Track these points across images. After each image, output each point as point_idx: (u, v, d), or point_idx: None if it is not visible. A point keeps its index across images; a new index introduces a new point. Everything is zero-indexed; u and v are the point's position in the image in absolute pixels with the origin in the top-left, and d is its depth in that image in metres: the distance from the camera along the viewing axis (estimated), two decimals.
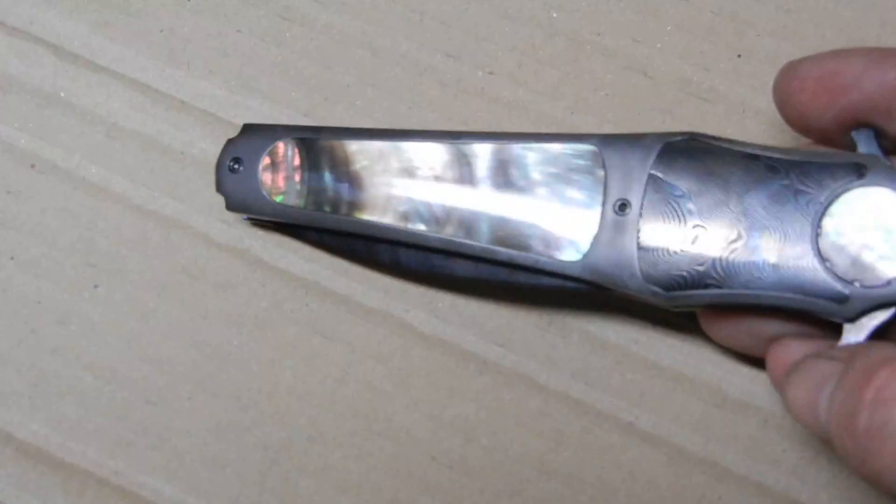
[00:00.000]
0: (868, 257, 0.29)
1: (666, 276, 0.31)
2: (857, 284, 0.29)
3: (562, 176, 0.32)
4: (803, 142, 0.33)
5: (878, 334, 0.29)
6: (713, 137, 0.31)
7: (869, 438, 0.25)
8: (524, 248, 0.32)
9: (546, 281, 0.33)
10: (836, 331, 0.30)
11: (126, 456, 0.36)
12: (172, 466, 0.36)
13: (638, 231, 0.31)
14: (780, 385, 0.31)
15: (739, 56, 0.38)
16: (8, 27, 0.39)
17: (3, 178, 0.38)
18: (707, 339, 0.36)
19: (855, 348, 0.28)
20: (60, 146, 0.38)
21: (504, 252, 0.33)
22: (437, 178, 0.33)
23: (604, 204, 0.32)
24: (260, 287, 0.37)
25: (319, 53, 0.39)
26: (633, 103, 0.38)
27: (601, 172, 0.32)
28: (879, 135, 0.30)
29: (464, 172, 0.33)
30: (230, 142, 0.35)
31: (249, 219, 0.37)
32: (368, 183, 0.34)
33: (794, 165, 0.30)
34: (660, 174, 0.31)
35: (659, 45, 0.39)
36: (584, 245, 0.32)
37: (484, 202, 0.33)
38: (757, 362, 0.36)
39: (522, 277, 0.33)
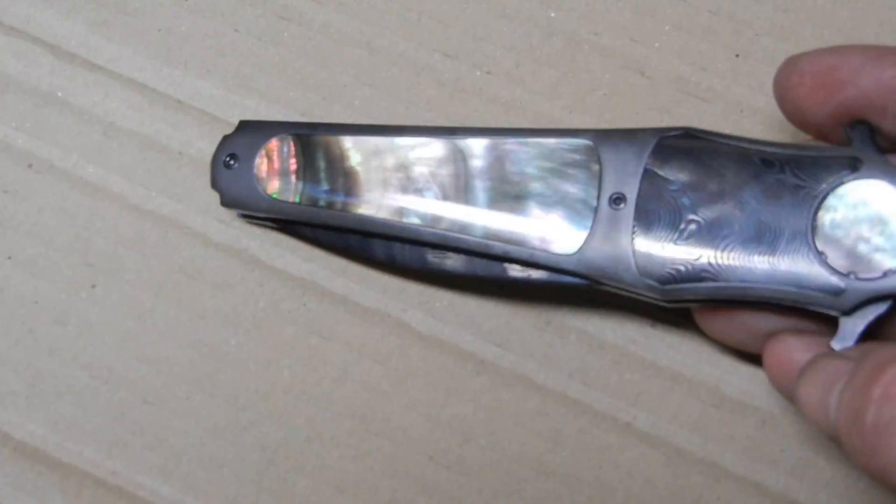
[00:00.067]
0: (863, 249, 0.29)
1: (661, 270, 0.31)
2: (852, 277, 0.29)
3: (557, 170, 0.32)
4: (801, 139, 0.33)
5: (875, 328, 0.29)
6: (708, 132, 0.32)
7: (876, 435, 0.26)
8: (519, 242, 0.32)
9: (541, 276, 0.33)
10: (832, 326, 0.30)
11: (123, 456, 0.36)
12: (170, 466, 0.36)
13: (633, 225, 0.31)
14: (779, 379, 0.31)
15: (737, 56, 0.38)
16: (5, 26, 0.39)
17: (1, 177, 0.38)
18: (705, 339, 0.36)
19: (867, 347, 0.29)
20: (58, 146, 0.38)
21: (499, 246, 0.33)
22: (433, 174, 0.33)
23: (599, 198, 0.32)
24: (257, 287, 0.37)
25: (317, 53, 0.39)
26: (631, 103, 0.38)
27: (596, 167, 0.32)
28: (873, 131, 0.30)
29: (459, 167, 0.33)
30: (226, 138, 0.35)
31: (244, 215, 0.37)
32: (364, 179, 0.34)
33: (789, 159, 0.30)
34: (655, 168, 0.31)
35: (657, 45, 0.39)
36: (580, 239, 0.32)
37: (479, 197, 0.33)
38: (755, 362, 0.36)
39: (517, 273, 0.33)
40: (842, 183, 0.30)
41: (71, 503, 0.35)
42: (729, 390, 0.36)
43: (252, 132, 0.35)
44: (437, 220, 0.33)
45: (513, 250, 0.32)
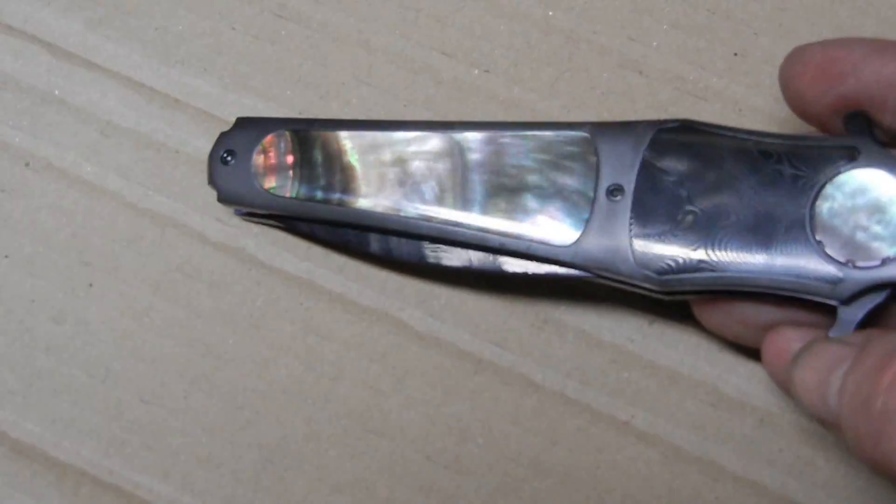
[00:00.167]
0: (861, 238, 0.29)
1: (658, 261, 0.31)
2: (850, 265, 0.29)
3: (554, 163, 0.32)
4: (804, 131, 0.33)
5: (873, 317, 0.29)
6: (706, 124, 0.32)
7: (884, 422, 0.26)
8: (516, 234, 0.32)
9: (537, 270, 0.33)
10: (831, 319, 0.30)
11: (120, 455, 0.36)
12: (167, 465, 0.36)
13: (630, 216, 0.31)
14: (778, 372, 0.31)
15: (735, 54, 0.38)
16: (2, 25, 0.39)
17: None
18: (703, 337, 0.36)
19: (869, 333, 0.29)
20: (55, 144, 0.38)
21: (496, 238, 0.33)
22: (430, 168, 0.33)
23: (596, 190, 0.32)
24: (255, 286, 0.37)
25: (314, 51, 0.39)
26: (629, 101, 0.38)
27: (593, 159, 0.32)
28: (871, 122, 0.30)
29: (456, 161, 0.33)
30: (223, 135, 0.36)
31: (242, 213, 0.37)
32: (361, 173, 0.34)
33: (787, 150, 0.30)
34: (653, 160, 0.31)
35: (655, 44, 0.39)
36: (577, 231, 0.32)
37: (476, 190, 0.33)
38: (754, 361, 0.36)
39: (514, 267, 0.33)
40: (840, 172, 0.30)
41: (68, 502, 0.35)
42: (727, 389, 0.36)
43: (249, 128, 0.35)
44: (434, 213, 0.33)
45: (510, 243, 0.33)
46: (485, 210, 0.33)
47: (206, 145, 0.37)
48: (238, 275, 0.37)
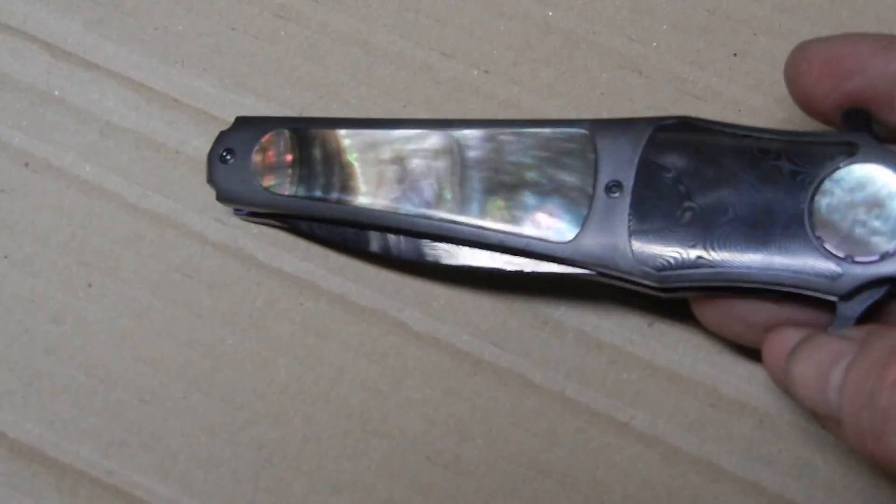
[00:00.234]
0: (860, 233, 0.29)
1: (657, 257, 0.31)
2: (849, 261, 0.29)
3: (553, 160, 0.33)
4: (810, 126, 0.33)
5: (872, 313, 0.29)
6: (705, 120, 0.32)
7: (888, 418, 0.26)
8: (515, 232, 0.32)
9: (535, 268, 0.33)
10: (830, 318, 0.30)
11: (120, 455, 0.36)
12: (166, 466, 0.36)
13: (629, 212, 0.31)
14: (779, 372, 0.31)
15: (735, 55, 0.38)
16: (2, 25, 0.39)
17: None
18: (703, 338, 0.36)
19: (870, 328, 0.29)
20: (54, 144, 0.38)
21: (495, 236, 0.33)
22: (428, 165, 0.33)
23: (595, 186, 0.32)
24: (254, 286, 0.37)
25: (314, 51, 0.39)
26: (629, 102, 0.38)
27: (592, 156, 0.32)
28: (870, 118, 0.30)
29: (454, 158, 0.33)
30: (223, 134, 0.36)
31: (241, 213, 0.37)
32: (360, 171, 0.34)
33: (785, 145, 0.30)
34: (651, 156, 0.31)
35: (654, 44, 0.39)
36: (576, 227, 0.32)
37: (475, 187, 0.33)
38: (753, 362, 0.36)
39: (512, 265, 0.33)
40: (838, 167, 0.30)
41: (67, 502, 0.35)
42: (726, 390, 0.36)
43: (249, 127, 0.35)
44: (432, 211, 0.33)
45: (508, 240, 0.33)
46: (483, 207, 0.33)
47: (205, 145, 0.37)
48: (237, 275, 0.37)
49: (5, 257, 0.37)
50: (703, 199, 0.31)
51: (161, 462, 0.36)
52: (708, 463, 0.35)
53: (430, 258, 0.34)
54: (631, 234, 0.31)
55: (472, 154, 0.33)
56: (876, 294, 0.29)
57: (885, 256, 0.29)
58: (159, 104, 0.38)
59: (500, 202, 0.33)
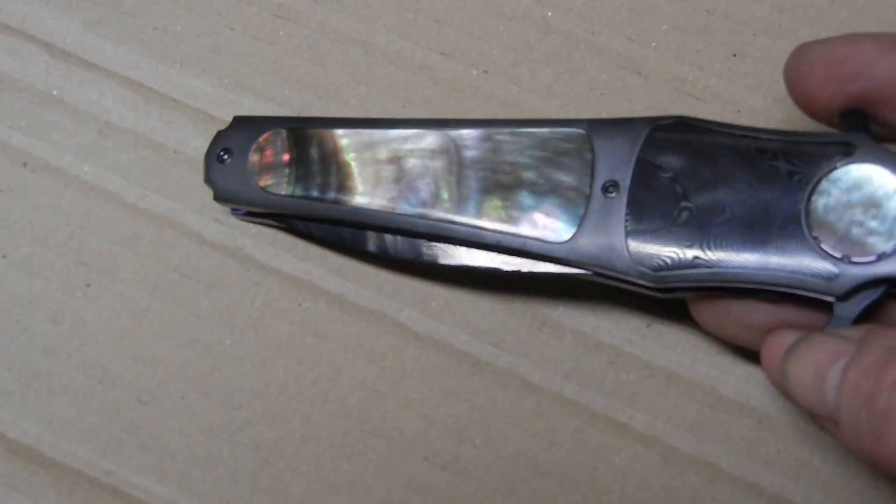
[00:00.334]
0: (857, 233, 0.29)
1: (654, 257, 0.31)
2: (846, 261, 0.29)
3: (550, 159, 0.32)
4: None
5: (869, 313, 0.29)
6: (702, 120, 0.32)
7: (887, 419, 0.26)
8: (512, 232, 0.32)
9: (532, 268, 0.33)
10: (828, 319, 0.30)
11: (118, 455, 0.36)
12: (164, 466, 0.36)
13: (626, 212, 0.31)
14: (777, 375, 0.31)
15: (734, 55, 0.38)
16: (0, 24, 0.39)
17: None
18: (701, 339, 0.36)
19: (867, 328, 0.29)
20: (52, 144, 0.38)
21: (491, 235, 0.33)
22: (425, 165, 0.33)
23: (592, 186, 0.32)
24: (252, 286, 0.37)
25: (313, 51, 0.39)
26: (628, 102, 0.38)
27: (589, 155, 0.32)
28: (869, 119, 0.30)
29: (451, 158, 0.33)
30: (220, 133, 0.36)
31: (239, 213, 0.37)
32: (357, 171, 0.34)
33: (782, 145, 0.30)
34: (648, 156, 0.31)
35: (654, 44, 0.39)
36: (572, 227, 0.32)
37: (472, 187, 0.33)
38: (751, 363, 0.36)
39: (509, 265, 0.33)
40: (835, 168, 0.30)
41: (65, 502, 0.35)
42: (725, 391, 0.36)
43: (246, 127, 0.35)
44: (429, 211, 0.33)
45: (505, 240, 0.33)
46: (480, 207, 0.33)
47: (204, 145, 0.37)
48: (236, 275, 0.37)
49: (4, 257, 0.37)
50: (699, 199, 0.31)
51: (159, 462, 0.36)
52: (706, 463, 0.35)
53: (427, 258, 0.34)
54: (627, 234, 0.31)
55: (469, 154, 0.33)
56: (873, 294, 0.29)
57: (881, 257, 0.29)
58: (158, 104, 0.38)
59: (496, 202, 0.33)
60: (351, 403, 0.36)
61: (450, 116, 0.38)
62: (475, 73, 0.39)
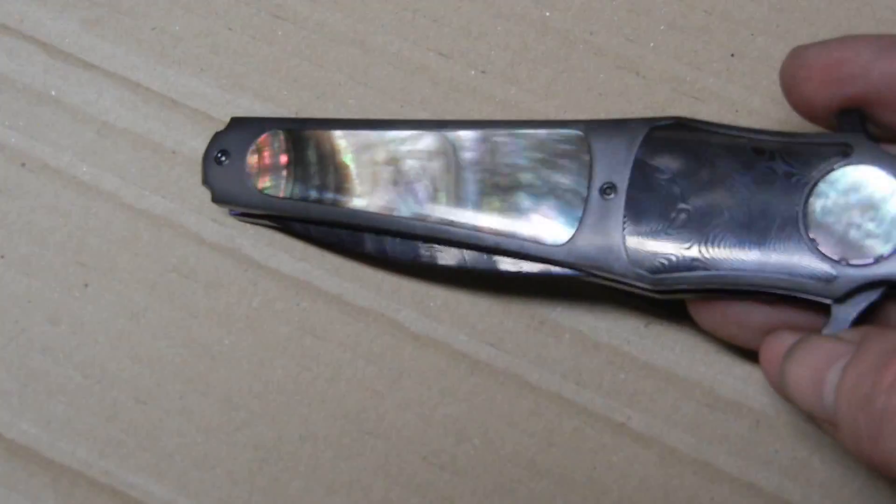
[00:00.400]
0: (855, 236, 0.29)
1: (652, 259, 0.31)
2: (844, 263, 0.29)
3: (547, 161, 0.32)
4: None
5: (867, 315, 0.29)
6: (699, 121, 0.32)
7: (885, 420, 0.26)
8: (510, 233, 0.32)
9: (532, 269, 0.33)
10: (827, 320, 0.30)
11: (116, 455, 0.36)
12: (162, 466, 0.36)
13: (623, 214, 0.31)
14: (776, 376, 0.31)
15: (733, 55, 0.38)
16: None
17: None
18: (699, 339, 0.36)
19: (865, 330, 0.29)
20: (51, 144, 0.38)
21: (490, 238, 0.33)
22: (423, 167, 0.33)
23: (589, 188, 0.32)
24: (251, 286, 0.37)
25: (311, 51, 0.39)
26: (626, 102, 0.38)
27: (587, 157, 0.32)
28: (865, 118, 0.30)
29: (449, 160, 0.33)
30: (217, 135, 0.36)
31: (237, 213, 0.37)
32: (354, 173, 0.34)
33: (779, 146, 0.30)
34: (646, 158, 0.31)
35: (652, 45, 0.39)
36: (570, 229, 0.32)
37: (470, 189, 0.33)
38: (750, 363, 0.36)
39: (508, 266, 0.33)
40: (833, 169, 0.30)
41: (63, 503, 0.35)
42: (723, 391, 0.36)
43: (243, 128, 0.35)
44: (427, 212, 0.33)
45: (503, 242, 0.32)
46: (478, 209, 0.33)
47: (202, 145, 0.37)
48: (234, 275, 0.37)
49: (2, 257, 0.37)
50: (697, 201, 0.30)
51: (157, 462, 0.36)
52: (705, 463, 0.35)
53: (425, 259, 0.34)
54: (625, 236, 0.31)
55: (466, 155, 0.33)
56: (871, 296, 0.29)
57: (879, 259, 0.29)
58: (156, 104, 0.38)
59: (494, 204, 0.33)
60: (349, 403, 0.36)
61: (448, 116, 0.38)
62: (473, 73, 0.39)
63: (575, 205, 0.32)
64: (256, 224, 0.37)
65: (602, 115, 0.38)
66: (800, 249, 0.29)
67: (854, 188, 0.29)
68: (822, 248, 0.29)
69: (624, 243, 0.31)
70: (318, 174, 0.34)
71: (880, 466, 0.26)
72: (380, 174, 0.34)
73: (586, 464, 0.35)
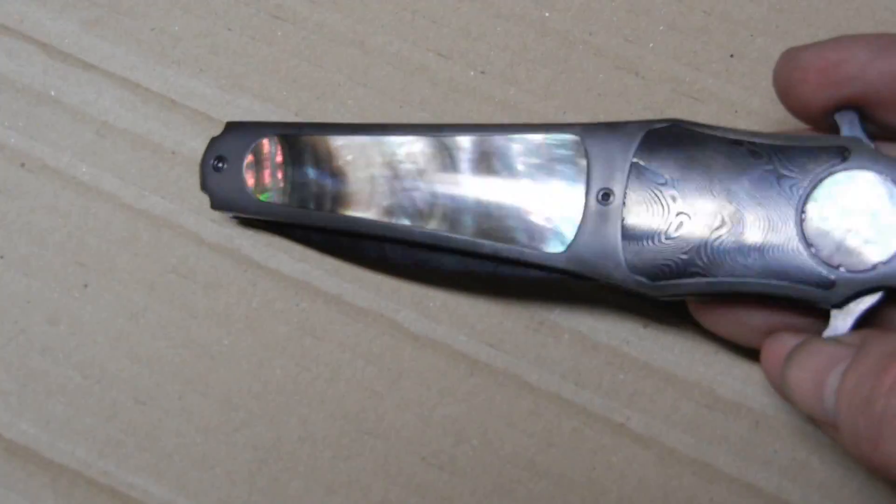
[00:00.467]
0: (853, 242, 0.29)
1: (651, 266, 0.31)
2: (842, 269, 0.29)
3: (544, 166, 0.32)
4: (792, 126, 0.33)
5: (866, 317, 0.29)
6: (695, 124, 0.31)
7: (885, 423, 0.26)
8: (509, 240, 0.32)
9: (532, 273, 0.33)
10: (827, 320, 0.30)
11: (115, 456, 0.36)
12: (161, 466, 0.36)
13: (622, 220, 0.31)
14: (777, 377, 0.31)
15: (732, 56, 0.38)
16: None
17: None
18: (699, 339, 0.36)
19: (865, 333, 0.29)
20: (50, 145, 0.38)
21: (489, 245, 0.32)
22: (421, 172, 0.33)
23: (587, 194, 0.32)
24: (250, 286, 0.37)
25: (310, 52, 0.39)
26: (625, 103, 0.38)
27: (584, 162, 0.32)
28: (865, 118, 0.30)
29: (447, 165, 0.33)
30: (213, 140, 0.35)
31: (236, 217, 0.37)
32: (352, 178, 0.34)
33: (777, 150, 0.30)
34: (642, 162, 0.31)
35: (651, 45, 0.39)
36: (569, 236, 0.32)
37: (467, 195, 0.33)
38: (749, 363, 0.36)
39: (508, 269, 0.33)
40: (830, 174, 0.29)
41: (63, 503, 0.35)
42: (722, 391, 0.36)
43: (239, 133, 0.35)
44: (425, 219, 0.33)
45: (502, 249, 0.32)
46: (477, 215, 0.33)
47: (201, 146, 0.37)
48: (233, 276, 0.37)
49: (1, 257, 0.37)
50: (695, 207, 0.30)
51: (156, 463, 0.36)
52: (704, 464, 0.35)
53: (425, 264, 0.34)
54: (624, 242, 0.31)
55: (464, 161, 0.33)
56: (869, 301, 0.29)
57: (878, 266, 0.29)
58: (156, 105, 0.38)
59: (493, 210, 0.33)
60: (348, 404, 0.36)
61: (447, 116, 0.38)
62: (472, 73, 0.39)
63: (573, 211, 0.32)
64: (258, 227, 0.37)
65: (601, 116, 0.38)
66: (798, 255, 0.29)
67: (851, 193, 0.29)
68: (821, 254, 0.29)
69: (622, 251, 0.31)
70: (316, 181, 0.34)
71: (880, 469, 0.26)
72: (377, 179, 0.34)
73: (585, 464, 0.35)
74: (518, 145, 0.33)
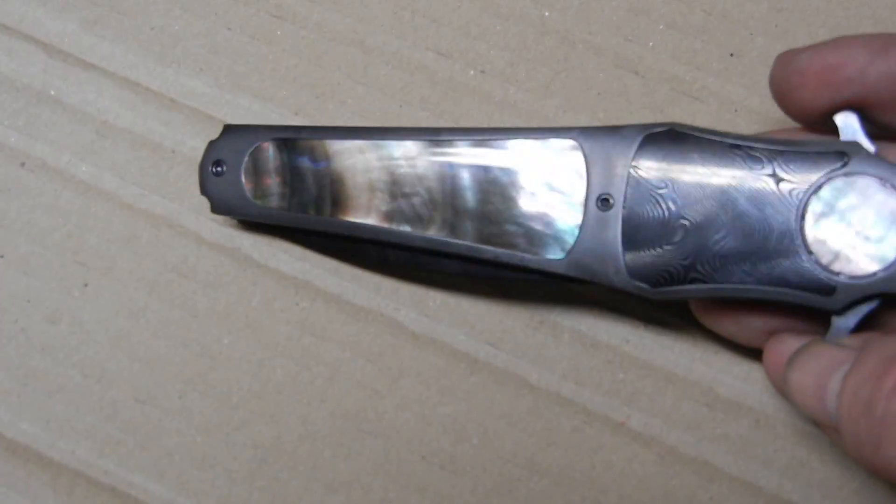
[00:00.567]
0: (853, 248, 0.29)
1: (651, 272, 0.30)
2: (842, 276, 0.29)
3: (543, 171, 0.32)
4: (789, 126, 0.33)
5: (866, 320, 0.29)
6: (694, 127, 0.31)
7: (885, 426, 0.26)
8: (509, 245, 0.32)
9: (532, 276, 0.33)
10: (828, 322, 0.30)
11: (115, 455, 0.36)
12: (162, 465, 0.36)
13: (621, 226, 0.31)
14: (779, 379, 0.31)
15: (732, 55, 0.38)
16: None
17: None
18: (699, 338, 0.36)
19: (866, 337, 0.29)
20: (50, 144, 0.38)
21: (489, 251, 0.32)
22: (419, 176, 0.33)
23: (586, 200, 0.31)
24: (250, 286, 0.37)
25: (310, 51, 0.39)
26: (625, 102, 0.38)
27: (582, 167, 0.32)
28: (865, 120, 0.30)
29: (446, 170, 0.33)
30: (212, 144, 0.35)
31: (238, 221, 0.37)
32: (351, 183, 0.34)
33: (776, 155, 0.30)
34: (641, 167, 0.31)
35: (651, 44, 0.39)
36: (569, 241, 0.32)
37: (467, 200, 0.33)
38: (749, 363, 0.36)
39: (509, 273, 0.33)
40: (830, 179, 0.29)
41: (63, 502, 0.35)
42: (722, 390, 0.36)
43: (237, 137, 0.35)
44: (425, 224, 0.33)
45: (503, 254, 0.32)
46: (476, 220, 0.33)
47: (201, 145, 0.37)
48: (233, 275, 0.37)
49: (1, 257, 0.37)
50: (694, 214, 0.30)
51: (157, 462, 0.36)
52: (704, 463, 0.35)
53: (426, 266, 0.34)
54: (624, 249, 0.31)
55: (463, 166, 0.33)
56: (870, 306, 0.29)
57: (878, 272, 0.29)
58: (155, 104, 0.38)
59: (492, 216, 0.33)
60: (348, 403, 0.36)
61: (447, 116, 0.38)
62: (472, 73, 0.39)
63: (573, 216, 0.32)
64: (258, 229, 0.37)
65: (601, 115, 0.38)
66: (798, 262, 0.29)
67: (851, 199, 0.29)
68: (821, 261, 0.29)
69: (623, 257, 0.31)
70: (315, 185, 0.34)
71: (881, 472, 0.26)
72: (375, 184, 0.34)
73: (585, 463, 0.35)
74: (517, 150, 0.32)
